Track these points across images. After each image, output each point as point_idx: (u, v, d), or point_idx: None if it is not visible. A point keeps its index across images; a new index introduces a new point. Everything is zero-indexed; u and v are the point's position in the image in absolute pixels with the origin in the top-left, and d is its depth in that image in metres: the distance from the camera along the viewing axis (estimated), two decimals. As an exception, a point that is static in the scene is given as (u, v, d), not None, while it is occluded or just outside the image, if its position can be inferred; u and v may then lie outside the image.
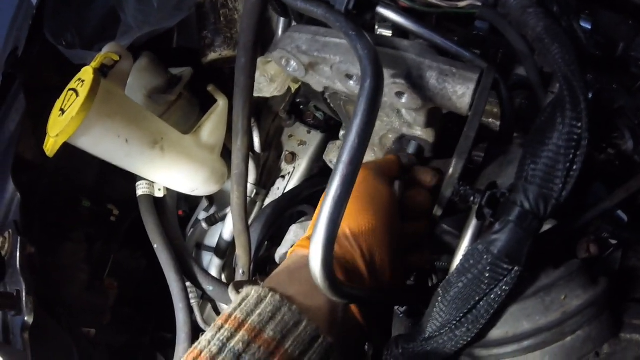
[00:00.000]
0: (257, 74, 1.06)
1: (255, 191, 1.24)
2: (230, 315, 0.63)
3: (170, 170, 1.04)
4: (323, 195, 0.61)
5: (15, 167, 1.06)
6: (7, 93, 1.18)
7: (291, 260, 0.75)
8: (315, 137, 1.30)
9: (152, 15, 1.09)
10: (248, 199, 1.23)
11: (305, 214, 1.26)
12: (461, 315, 0.65)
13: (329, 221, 0.59)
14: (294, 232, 1.14)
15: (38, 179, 1.13)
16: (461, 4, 0.83)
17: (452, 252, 0.80)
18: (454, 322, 0.65)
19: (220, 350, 0.59)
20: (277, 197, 1.25)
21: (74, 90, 0.92)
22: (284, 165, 1.30)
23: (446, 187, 0.76)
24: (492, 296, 0.64)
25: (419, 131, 0.94)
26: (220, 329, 0.61)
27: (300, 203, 1.24)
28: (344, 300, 0.65)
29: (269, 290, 0.65)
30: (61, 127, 0.89)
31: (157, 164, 1.01)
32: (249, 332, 0.61)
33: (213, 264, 1.25)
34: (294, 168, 1.29)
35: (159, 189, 1.13)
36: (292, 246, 1.13)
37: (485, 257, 0.63)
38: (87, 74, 0.91)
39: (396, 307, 0.98)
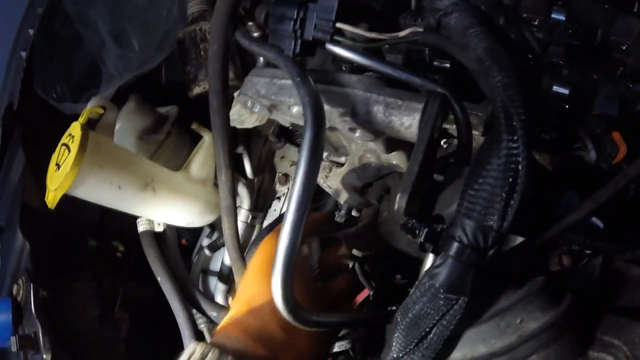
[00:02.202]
0: (239, 107, 1.17)
1: (251, 216, 1.35)
2: None
3: (164, 208, 1.16)
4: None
5: (22, 218, 1.20)
6: (8, 145, 1.32)
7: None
8: (306, 156, 1.40)
9: (133, 59, 1.21)
10: (245, 224, 1.36)
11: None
12: (416, 341, 0.70)
13: (285, 262, 0.70)
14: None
15: (44, 225, 1.26)
16: (402, 34, 0.89)
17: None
18: (410, 347, 0.71)
19: None
20: (274, 218, 1.36)
21: (66, 145, 1.04)
22: (278, 186, 1.40)
23: (397, 219, 0.80)
24: (443, 323, 0.69)
25: (391, 154, 1.03)
26: None
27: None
28: (308, 327, 0.75)
29: (211, 345, 0.76)
30: (58, 181, 1.01)
31: (151, 204, 1.13)
32: None
33: (218, 289, 1.37)
34: (289, 188, 1.40)
35: (158, 224, 1.25)
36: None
37: (429, 290, 0.69)
38: (75, 129, 1.03)
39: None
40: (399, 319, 0.73)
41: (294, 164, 1.41)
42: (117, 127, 1.18)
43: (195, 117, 1.29)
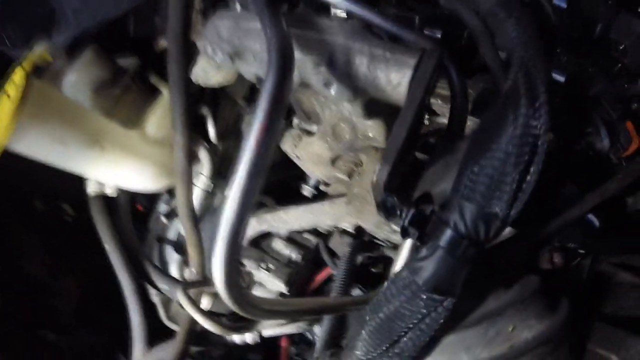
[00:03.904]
0: (204, 62, 1.11)
1: (210, 184, 1.29)
2: None
3: (114, 169, 1.10)
4: None
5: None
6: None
7: None
8: (276, 123, 1.34)
9: (96, 7, 1.14)
10: (203, 192, 1.30)
11: (264, 205, 1.31)
12: (386, 345, 0.62)
13: (229, 239, 0.61)
14: (251, 226, 1.21)
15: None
16: None
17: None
18: (378, 352, 0.63)
19: None
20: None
21: (7, 93, 0.98)
22: (244, 154, 1.35)
23: (375, 195, 0.69)
24: (422, 327, 0.60)
25: (369, 122, 0.96)
26: None
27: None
28: (254, 316, 0.68)
29: None
30: (-4, 133, 0.95)
31: (99, 164, 1.07)
32: None
33: (173, 260, 1.32)
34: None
35: (110, 188, 1.19)
36: (250, 239, 1.22)
37: (409, 286, 0.59)
38: (18, 76, 0.97)
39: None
40: (367, 318, 0.64)
41: (263, 130, 1.35)
42: (71, 78, 1.10)
43: (159, 72, 1.22)
